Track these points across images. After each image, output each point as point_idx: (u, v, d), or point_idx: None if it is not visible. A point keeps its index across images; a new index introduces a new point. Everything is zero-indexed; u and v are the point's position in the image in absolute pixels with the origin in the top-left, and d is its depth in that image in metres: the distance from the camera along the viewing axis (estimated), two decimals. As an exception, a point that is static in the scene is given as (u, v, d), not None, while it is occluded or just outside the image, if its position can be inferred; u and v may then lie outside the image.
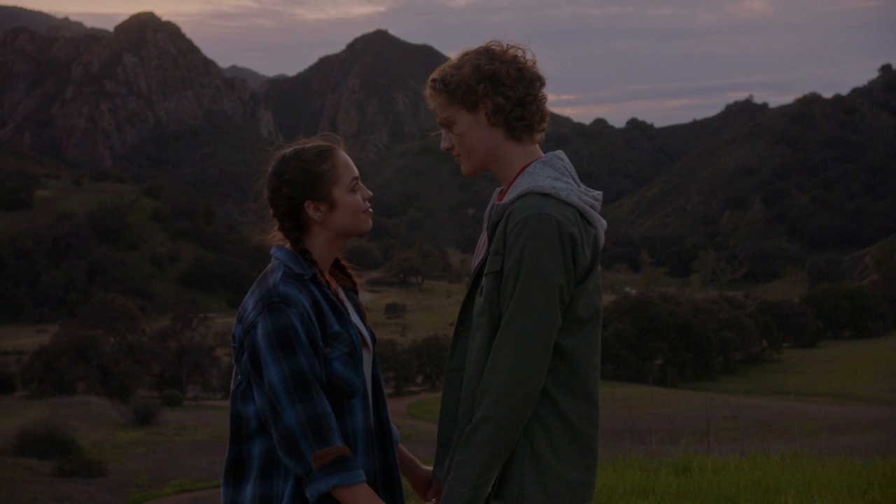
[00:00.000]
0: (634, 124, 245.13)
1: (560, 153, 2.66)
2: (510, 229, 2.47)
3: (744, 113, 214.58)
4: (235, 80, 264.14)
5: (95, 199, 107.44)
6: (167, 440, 37.07)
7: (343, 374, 2.54)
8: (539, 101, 2.62)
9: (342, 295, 2.70)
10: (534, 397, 2.45)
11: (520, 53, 2.61)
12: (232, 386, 2.63)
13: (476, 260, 2.70)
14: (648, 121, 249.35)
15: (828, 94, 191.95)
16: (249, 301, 2.57)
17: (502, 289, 2.48)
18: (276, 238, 2.70)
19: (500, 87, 2.56)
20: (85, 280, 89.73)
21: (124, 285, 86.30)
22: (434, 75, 2.65)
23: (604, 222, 2.61)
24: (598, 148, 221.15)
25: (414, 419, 41.49)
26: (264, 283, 2.57)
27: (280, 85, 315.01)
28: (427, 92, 2.67)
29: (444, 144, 2.66)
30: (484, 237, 2.67)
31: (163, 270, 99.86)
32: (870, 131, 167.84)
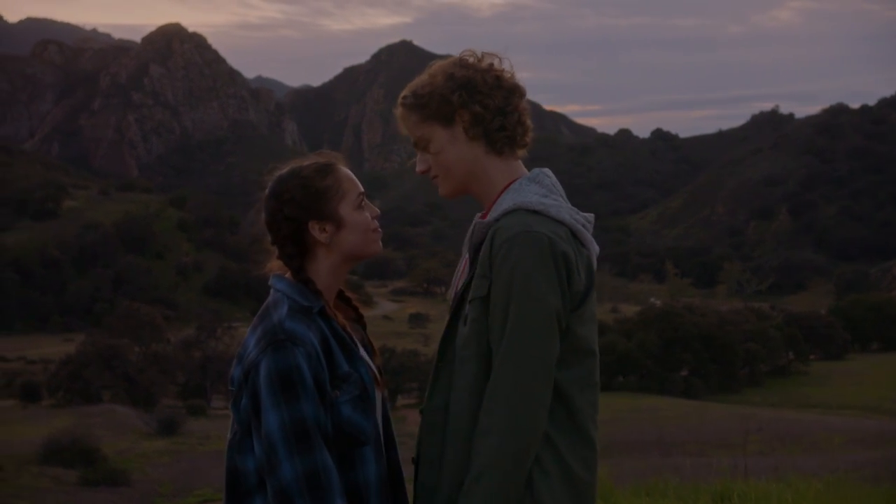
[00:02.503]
0: (659, 135, 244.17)
1: (547, 170, 2.43)
2: (496, 249, 2.23)
3: (770, 123, 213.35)
4: (261, 91, 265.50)
5: (122, 208, 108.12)
6: (191, 449, 37.15)
7: (353, 419, 2.29)
8: (520, 112, 2.40)
9: (350, 329, 2.44)
10: (539, 437, 2.20)
11: (496, 62, 2.40)
12: (228, 436, 2.38)
13: (457, 285, 2.43)
14: (673, 131, 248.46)
15: (855, 105, 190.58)
16: (251, 339, 2.31)
17: (491, 316, 2.23)
18: (273, 268, 2.48)
19: (477, 94, 2.35)
20: (111, 289, 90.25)
21: (150, 295, 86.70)
22: (404, 92, 2.46)
23: (596, 247, 2.38)
24: (622, 158, 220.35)
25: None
26: (267, 318, 2.31)
27: (305, 95, 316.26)
28: (398, 112, 2.46)
29: (419, 167, 2.44)
30: (465, 260, 2.43)
31: (188, 280, 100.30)
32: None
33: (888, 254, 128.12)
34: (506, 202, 2.32)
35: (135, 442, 38.03)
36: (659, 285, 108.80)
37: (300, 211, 2.39)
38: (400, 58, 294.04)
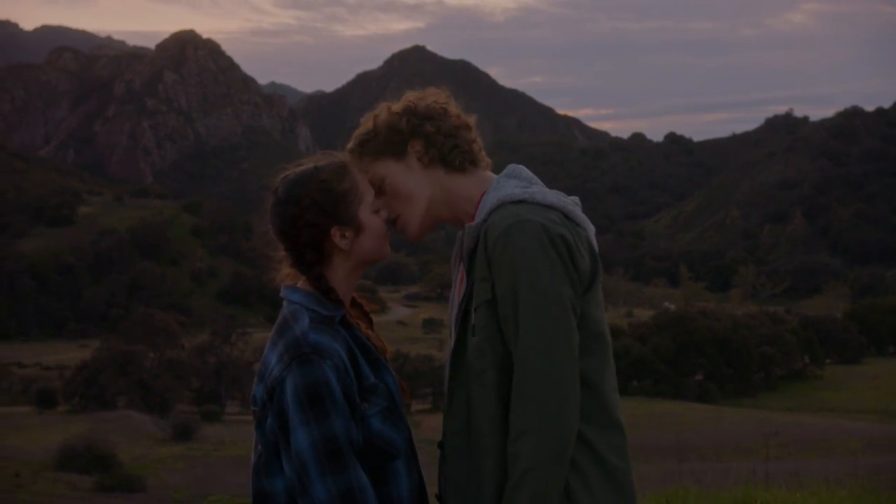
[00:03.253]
0: (672, 138, 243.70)
1: (521, 166, 2.36)
2: (491, 247, 2.14)
3: (784, 127, 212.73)
4: (274, 97, 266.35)
5: (136, 215, 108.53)
6: (206, 455, 37.20)
7: (384, 432, 2.18)
8: (472, 136, 2.33)
9: (373, 338, 2.34)
10: (575, 430, 2.10)
11: (440, 97, 2.36)
12: (253, 458, 2.25)
13: (457, 300, 2.32)
14: (687, 135, 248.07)
15: (870, 108, 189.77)
16: (272, 355, 2.19)
17: (501, 317, 2.14)
18: (284, 277, 2.35)
19: (426, 119, 2.30)
20: (126, 295, 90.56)
21: (164, 301, 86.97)
22: (350, 144, 2.37)
23: (591, 226, 2.28)
24: (635, 162, 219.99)
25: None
26: (287, 331, 2.19)
27: (318, 101, 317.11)
28: (350, 162, 2.35)
29: (382, 215, 2.31)
30: (459, 274, 2.34)
31: (202, 286, 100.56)
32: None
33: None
34: (488, 202, 2.24)
35: (150, 448, 38.12)
36: (673, 289, 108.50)
37: (323, 216, 2.25)
38: (413, 63, 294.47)
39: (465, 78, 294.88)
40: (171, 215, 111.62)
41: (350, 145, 2.36)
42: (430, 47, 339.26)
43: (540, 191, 2.23)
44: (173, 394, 50.51)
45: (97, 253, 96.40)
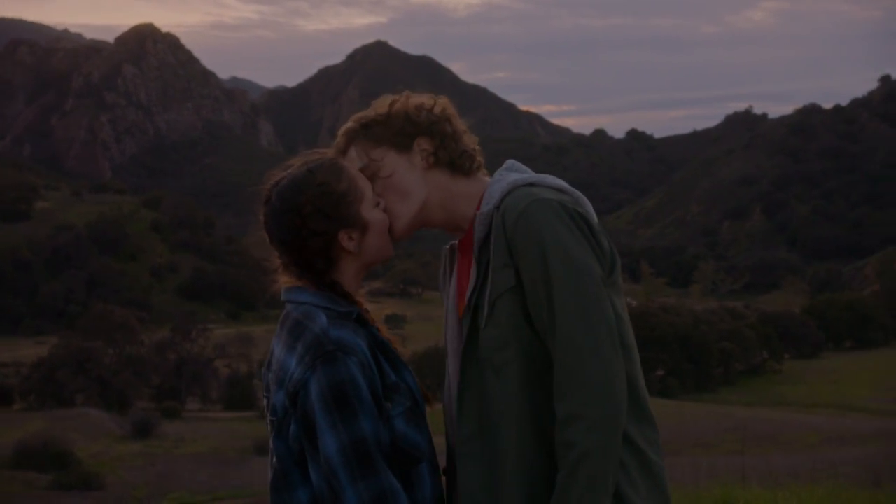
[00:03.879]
0: (634, 135, 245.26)
1: (517, 162, 2.29)
2: (511, 229, 2.04)
3: (744, 123, 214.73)
4: (235, 91, 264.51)
5: (95, 210, 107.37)
6: (166, 453, 36.88)
7: (408, 434, 2.06)
8: (475, 144, 2.27)
9: (390, 336, 2.24)
10: (626, 411, 1.99)
11: (448, 104, 2.28)
12: (270, 474, 2.11)
13: (458, 294, 2.22)
14: (648, 131, 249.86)
15: (828, 105, 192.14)
16: (290, 358, 2.06)
17: (531, 301, 2.02)
18: (285, 282, 2.23)
19: (445, 120, 2.22)
20: (84, 291, 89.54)
21: (123, 297, 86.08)
22: (350, 122, 2.25)
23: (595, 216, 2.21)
24: (597, 159, 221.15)
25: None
26: (305, 331, 2.06)
27: (280, 96, 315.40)
28: (341, 141, 2.24)
29: (381, 206, 2.21)
30: (456, 281, 2.25)
31: (162, 282, 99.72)
32: (870, 142, 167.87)
33: (861, 253, 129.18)
34: (497, 190, 2.14)
35: (109, 445, 37.71)
36: (634, 285, 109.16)
37: (328, 222, 2.13)
38: (375, 58, 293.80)
39: (427, 73, 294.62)
40: (130, 210, 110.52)
41: (351, 125, 2.25)
42: (392, 42, 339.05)
43: (549, 175, 2.17)
44: (132, 391, 50.02)
45: (54, 248, 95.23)
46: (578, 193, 2.16)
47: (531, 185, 2.12)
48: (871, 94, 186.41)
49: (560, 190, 2.13)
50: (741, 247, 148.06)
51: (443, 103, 2.26)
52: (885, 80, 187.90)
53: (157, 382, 54.56)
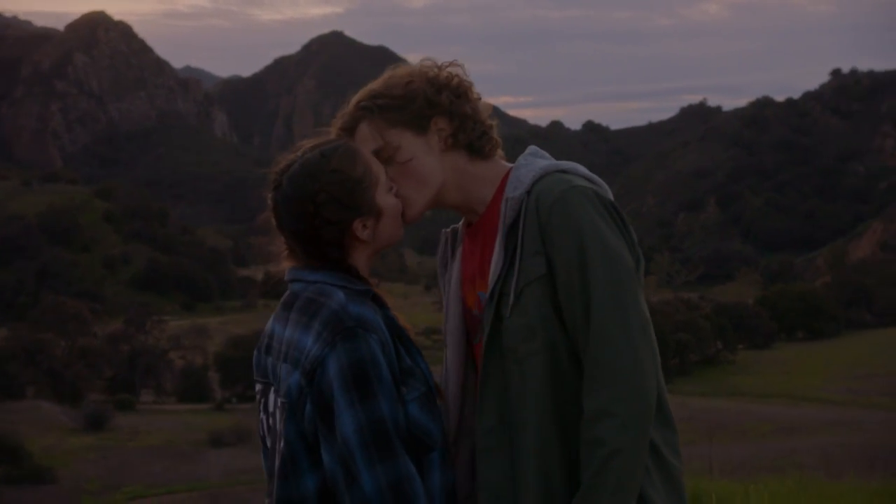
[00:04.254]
0: (590, 126, 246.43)
1: (534, 146, 2.21)
2: (546, 215, 1.95)
3: (698, 116, 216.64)
4: (189, 81, 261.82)
5: (45, 200, 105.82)
6: (120, 445, 36.47)
7: (420, 420, 1.98)
8: (493, 123, 2.17)
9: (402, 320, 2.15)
10: (654, 410, 1.92)
11: (462, 71, 2.15)
12: (277, 462, 2.01)
13: (452, 291, 2.15)
14: (604, 123, 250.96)
15: (780, 98, 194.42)
16: (305, 336, 1.97)
17: (564, 292, 1.93)
18: (289, 265, 2.13)
19: (465, 99, 2.11)
20: (35, 282, 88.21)
21: (75, 288, 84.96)
22: (363, 96, 2.12)
23: None
24: (554, 150, 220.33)
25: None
26: (322, 308, 1.97)
27: (235, 86, 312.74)
28: (348, 116, 2.12)
29: (394, 191, 2.11)
30: (460, 253, 2.17)
31: (115, 273, 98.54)
32: (821, 135, 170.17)
33: (813, 244, 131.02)
34: (527, 174, 2.05)
35: (61, 438, 37.19)
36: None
37: (344, 211, 2.03)
38: (331, 48, 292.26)
39: (384, 64, 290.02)
40: (82, 201, 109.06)
41: (363, 102, 2.11)
42: (348, 33, 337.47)
43: (577, 164, 2.09)
44: (85, 383, 49.41)
45: (4, 239, 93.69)
46: (604, 183, 2.09)
47: (563, 171, 2.04)
48: (823, 87, 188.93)
49: (589, 179, 2.05)
50: (696, 238, 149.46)
51: (460, 80, 2.14)
52: (836, 73, 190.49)
53: (110, 375, 53.96)
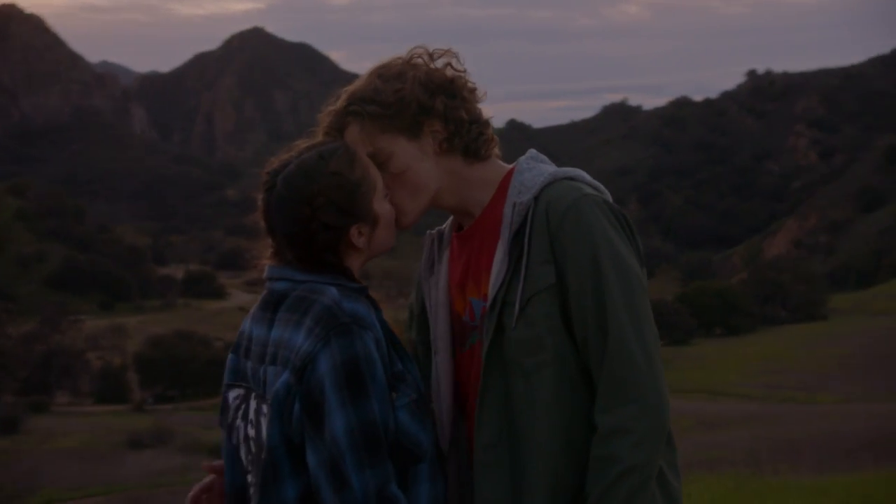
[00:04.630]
0: (514, 125, 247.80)
1: (533, 150, 2.13)
2: (557, 223, 1.88)
3: (620, 115, 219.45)
4: (106, 76, 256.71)
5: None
6: (34, 448, 35.56)
7: (410, 429, 1.88)
8: (489, 120, 2.09)
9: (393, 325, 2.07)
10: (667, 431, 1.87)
11: (454, 62, 2.05)
12: (258, 478, 1.89)
13: (441, 299, 2.06)
14: (527, 122, 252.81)
15: (698, 98, 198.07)
16: (296, 335, 1.86)
17: (576, 303, 1.86)
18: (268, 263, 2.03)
19: (460, 100, 2.01)
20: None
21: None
22: (352, 98, 2.00)
23: None
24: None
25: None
26: (313, 304, 1.87)
27: (153, 81, 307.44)
28: (330, 122, 2.02)
29: (389, 197, 2.01)
30: (447, 257, 2.09)
31: (29, 272, 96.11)
32: (738, 134, 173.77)
33: (730, 242, 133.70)
34: (533, 179, 1.98)
35: (-29, 442, 36.10)
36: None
37: (342, 216, 1.93)
38: (252, 45, 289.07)
39: (306, 61, 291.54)
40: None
41: (353, 107, 2.00)
42: (269, 29, 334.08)
43: (581, 170, 2.04)
44: (-3, 385, 48.05)
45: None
46: (606, 190, 2.04)
47: (571, 178, 1.99)
48: (740, 87, 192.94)
49: (595, 187, 2.00)
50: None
51: (454, 81, 2.02)
52: (752, 74, 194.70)
53: (24, 376, 52.60)
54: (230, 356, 2.05)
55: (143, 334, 60.59)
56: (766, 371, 53.73)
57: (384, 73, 2.01)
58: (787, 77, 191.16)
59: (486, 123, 2.06)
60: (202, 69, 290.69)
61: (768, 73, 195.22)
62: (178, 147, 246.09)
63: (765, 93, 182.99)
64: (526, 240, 1.92)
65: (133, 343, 57.55)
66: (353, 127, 2.01)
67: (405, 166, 1.99)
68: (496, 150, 2.10)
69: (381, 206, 1.98)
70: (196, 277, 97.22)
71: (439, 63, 2.03)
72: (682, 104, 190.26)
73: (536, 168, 2.02)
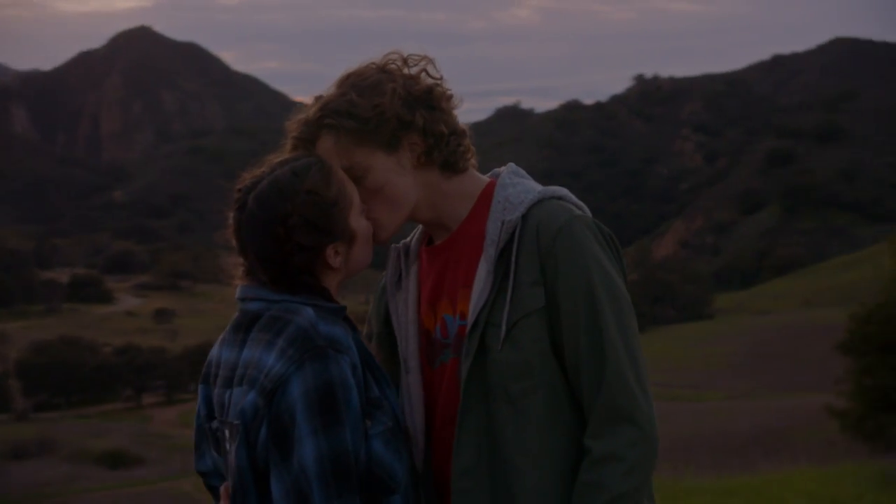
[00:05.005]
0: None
1: (512, 164, 2.04)
2: (548, 244, 1.83)
3: (513, 117, 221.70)
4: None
5: None
6: None
7: (384, 458, 1.79)
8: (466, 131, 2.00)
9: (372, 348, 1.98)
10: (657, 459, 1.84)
11: (431, 68, 1.95)
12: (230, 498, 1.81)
13: (409, 314, 1.97)
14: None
15: (589, 101, 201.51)
16: (267, 356, 1.76)
17: (568, 325, 1.80)
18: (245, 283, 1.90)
19: (438, 112, 1.92)
20: None
21: None
22: (326, 111, 1.89)
23: None
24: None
25: (186, 428, 40.00)
26: (288, 325, 1.78)
27: (34, 80, 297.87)
28: (303, 131, 1.91)
29: (365, 213, 1.92)
30: (416, 272, 2.00)
31: None
32: (627, 137, 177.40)
33: (620, 243, 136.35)
34: (515, 198, 1.91)
35: None
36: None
37: (317, 236, 1.83)
38: (138, 44, 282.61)
39: (195, 61, 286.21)
40: None
41: (327, 120, 1.90)
42: (157, 28, 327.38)
43: (569, 193, 1.98)
44: None
45: None
46: (587, 209, 1.99)
47: (560, 198, 1.94)
48: (629, 91, 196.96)
49: (580, 208, 1.95)
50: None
51: (433, 91, 1.94)
52: (640, 78, 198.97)
53: None
54: (200, 387, 1.95)
55: (27, 340, 58.52)
56: (656, 370, 54.94)
57: (359, 84, 1.91)
58: (674, 82, 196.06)
59: (464, 133, 1.98)
60: (87, 68, 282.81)
61: (655, 78, 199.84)
62: (62, 148, 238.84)
63: (652, 97, 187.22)
64: (513, 259, 1.85)
65: (14, 349, 55.56)
66: (326, 139, 1.91)
67: (384, 181, 1.91)
68: (473, 161, 2.01)
69: (358, 223, 1.89)
70: (82, 282, 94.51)
71: (414, 70, 1.94)
72: (573, 107, 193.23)
73: (521, 184, 1.95)
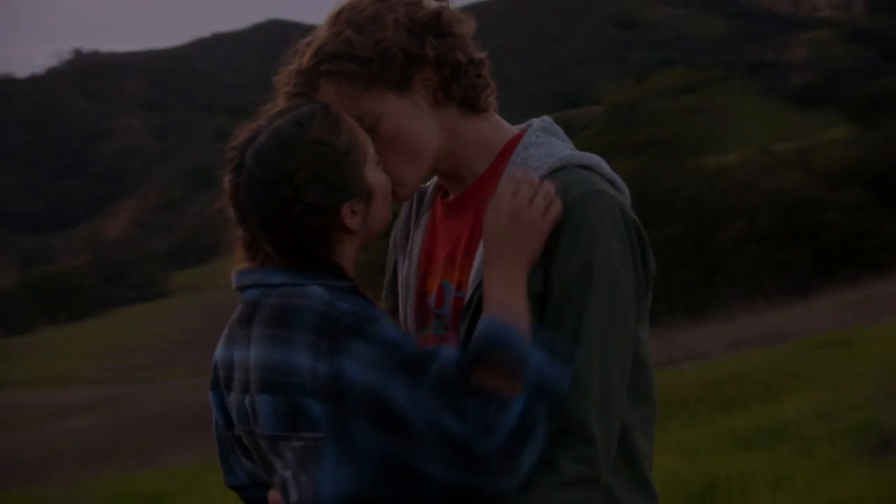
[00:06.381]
0: None
1: (547, 117, 1.74)
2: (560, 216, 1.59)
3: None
4: None
5: None
6: None
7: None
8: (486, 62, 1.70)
9: None
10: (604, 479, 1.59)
11: (445, 11, 1.66)
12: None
13: (413, 278, 1.73)
14: None
15: (24, 74, 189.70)
16: (288, 352, 1.51)
17: (554, 314, 1.56)
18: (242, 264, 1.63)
19: (452, 39, 1.63)
20: None
21: None
22: (321, 55, 1.61)
23: None
24: None
25: None
26: (299, 314, 1.51)
27: None
28: (298, 82, 1.63)
29: (381, 164, 1.66)
30: (427, 226, 1.75)
31: None
32: (69, 114, 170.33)
33: (69, 224, 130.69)
34: (535, 159, 1.65)
35: None
36: None
37: (330, 193, 1.56)
38: None
39: None
40: None
41: (325, 66, 1.63)
42: None
43: (601, 158, 1.68)
44: None
45: None
46: (625, 186, 1.70)
47: (587, 167, 1.65)
48: (68, 65, 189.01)
49: (613, 182, 1.66)
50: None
51: (441, 15, 1.66)
52: (78, 53, 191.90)
53: None
54: (211, 394, 1.71)
55: None
56: (113, 353, 53.83)
57: (355, 20, 1.63)
58: (115, 57, 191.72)
59: (482, 63, 1.69)
60: None
61: (95, 53, 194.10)
62: None
63: (94, 72, 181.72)
64: None
65: None
66: (326, 89, 1.64)
67: (398, 128, 1.65)
68: (493, 100, 1.73)
69: (375, 177, 1.62)
70: None
71: (425, 6, 1.66)
72: (5, 82, 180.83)
73: (547, 144, 1.67)
